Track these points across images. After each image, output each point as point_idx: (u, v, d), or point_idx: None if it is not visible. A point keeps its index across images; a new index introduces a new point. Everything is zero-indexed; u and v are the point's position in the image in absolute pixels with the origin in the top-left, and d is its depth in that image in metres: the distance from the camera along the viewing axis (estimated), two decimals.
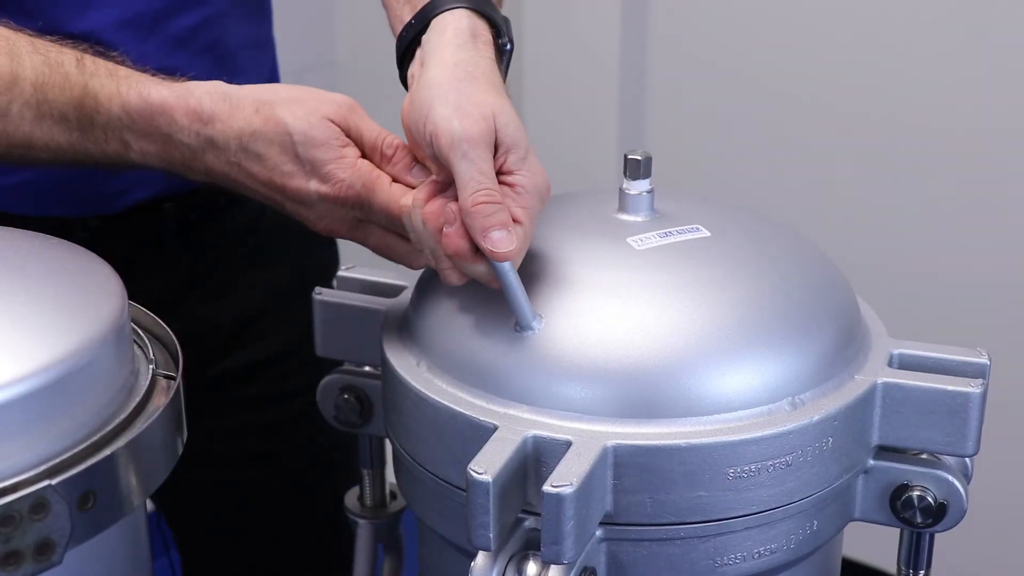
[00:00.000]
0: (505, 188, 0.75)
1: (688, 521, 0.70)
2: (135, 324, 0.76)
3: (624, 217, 0.80)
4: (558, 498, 0.63)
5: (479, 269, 0.74)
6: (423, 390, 0.74)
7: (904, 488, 0.76)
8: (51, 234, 1.04)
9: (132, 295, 1.11)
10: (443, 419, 0.72)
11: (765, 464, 0.70)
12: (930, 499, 0.75)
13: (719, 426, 0.70)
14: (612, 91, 2.09)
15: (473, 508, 0.65)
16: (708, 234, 0.79)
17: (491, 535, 0.65)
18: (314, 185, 0.80)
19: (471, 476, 0.64)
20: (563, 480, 0.64)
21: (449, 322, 0.77)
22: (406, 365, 0.77)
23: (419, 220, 0.76)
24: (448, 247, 0.74)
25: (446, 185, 0.76)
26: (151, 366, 0.72)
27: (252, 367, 1.22)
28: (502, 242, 0.72)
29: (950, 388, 0.73)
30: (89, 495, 0.63)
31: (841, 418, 0.72)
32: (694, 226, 0.79)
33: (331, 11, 2.39)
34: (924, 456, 0.78)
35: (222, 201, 1.16)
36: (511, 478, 0.66)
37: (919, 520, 0.76)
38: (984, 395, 0.74)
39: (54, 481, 0.61)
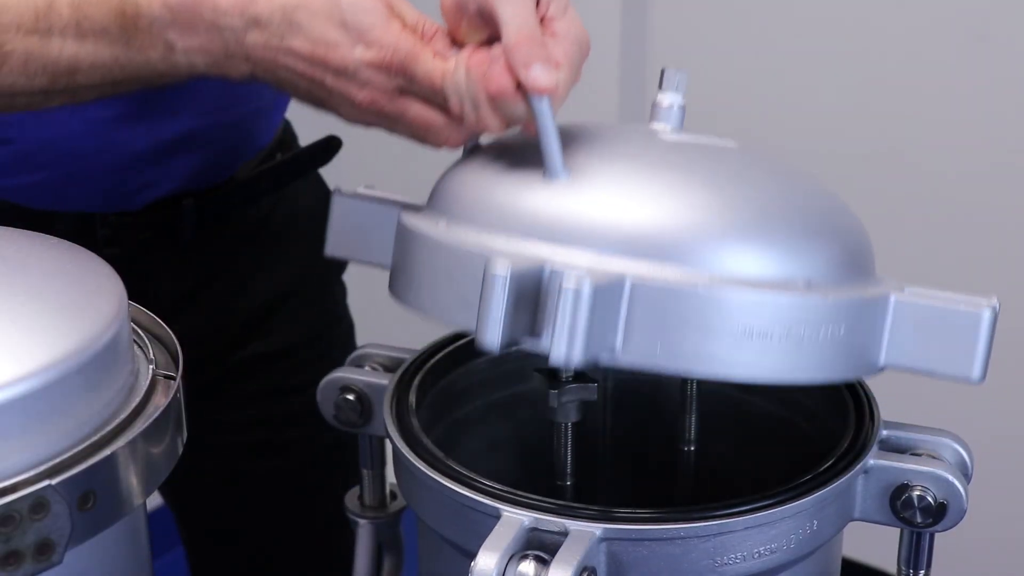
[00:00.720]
0: (547, 36, 0.77)
1: (688, 517, 0.70)
2: (135, 324, 0.76)
3: (656, 125, 0.81)
4: (576, 292, 0.64)
5: (519, 109, 0.75)
6: (439, 236, 0.74)
7: (904, 488, 0.76)
8: (72, 229, 1.06)
9: (150, 291, 1.11)
10: (458, 259, 0.72)
11: (777, 329, 0.69)
12: (930, 499, 0.76)
13: (739, 280, 0.70)
14: (612, 90, 2.09)
15: (486, 303, 0.65)
16: (735, 146, 0.80)
17: (499, 334, 0.65)
18: (359, 51, 0.80)
19: (489, 269, 0.65)
20: (581, 274, 0.64)
21: (473, 178, 0.77)
22: (425, 224, 0.77)
23: (463, 71, 0.77)
24: (490, 84, 0.75)
25: (489, 44, 0.78)
26: (151, 366, 0.72)
27: (260, 361, 1.23)
28: (543, 77, 0.74)
29: (961, 307, 0.73)
30: (89, 495, 0.63)
31: (854, 311, 0.72)
32: (724, 138, 0.81)
33: None
34: (924, 455, 0.78)
35: (237, 198, 1.16)
36: (527, 287, 0.66)
37: (919, 520, 0.76)
38: (994, 319, 0.74)
39: (54, 481, 0.61)
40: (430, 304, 0.75)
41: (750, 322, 0.69)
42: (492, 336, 0.65)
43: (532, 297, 0.68)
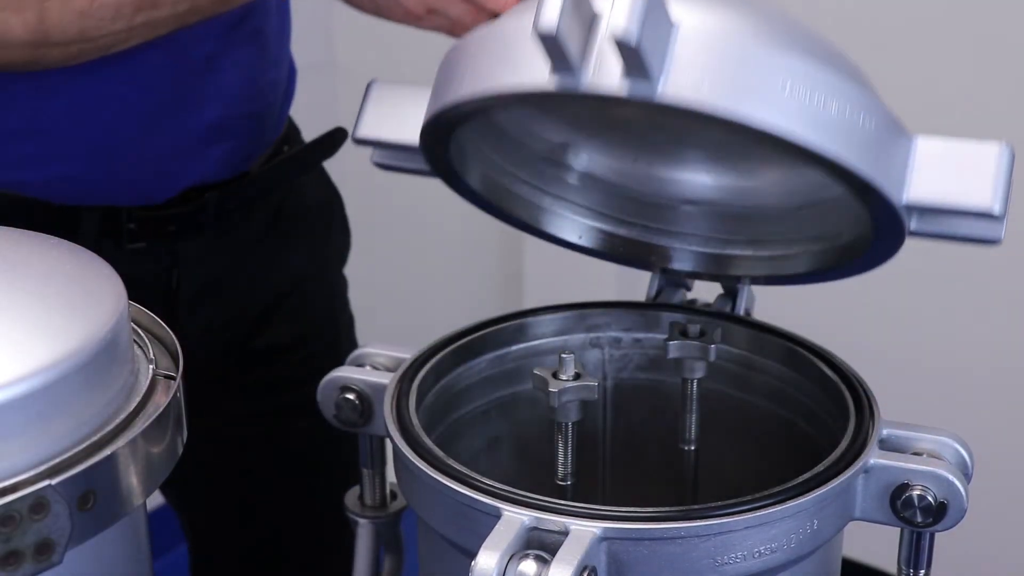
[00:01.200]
0: None
1: (688, 517, 0.70)
2: (135, 324, 0.76)
3: None
4: None
5: None
6: (485, 29, 0.77)
7: (904, 487, 0.76)
8: (99, 224, 1.08)
9: (172, 285, 1.11)
10: (506, 32, 0.74)
11: (816, 95, 0.71)
12: (930, 498, 0.76)
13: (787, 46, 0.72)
14: None
15: None
16: None
17: (558, 13, 0.65)
18: None
19: None
20: None
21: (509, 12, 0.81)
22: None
23: None
24: None
25: None
26: (151, 366, 0.72)
27: (272, 351, 1.24)
28: None
29: (979, 144, 0.76)
30: (89, 495, 0.63)
31: (885, 116, 0.74)
32: None
33: (331, 11, 2.40)
34: (924, 455, 0.78)
35: (255, 189, 1.18)
36: (583, 6, 0.68)
37: (919, 519, 0.76)
38: (1011, 156, 0.76)
39: (54, 481, 0.61)
40: (477, 83, 0.75)
41: (793, 80, 0.70)
42: (551, 14, 0.66)
43: (586, 21, 0.69)
